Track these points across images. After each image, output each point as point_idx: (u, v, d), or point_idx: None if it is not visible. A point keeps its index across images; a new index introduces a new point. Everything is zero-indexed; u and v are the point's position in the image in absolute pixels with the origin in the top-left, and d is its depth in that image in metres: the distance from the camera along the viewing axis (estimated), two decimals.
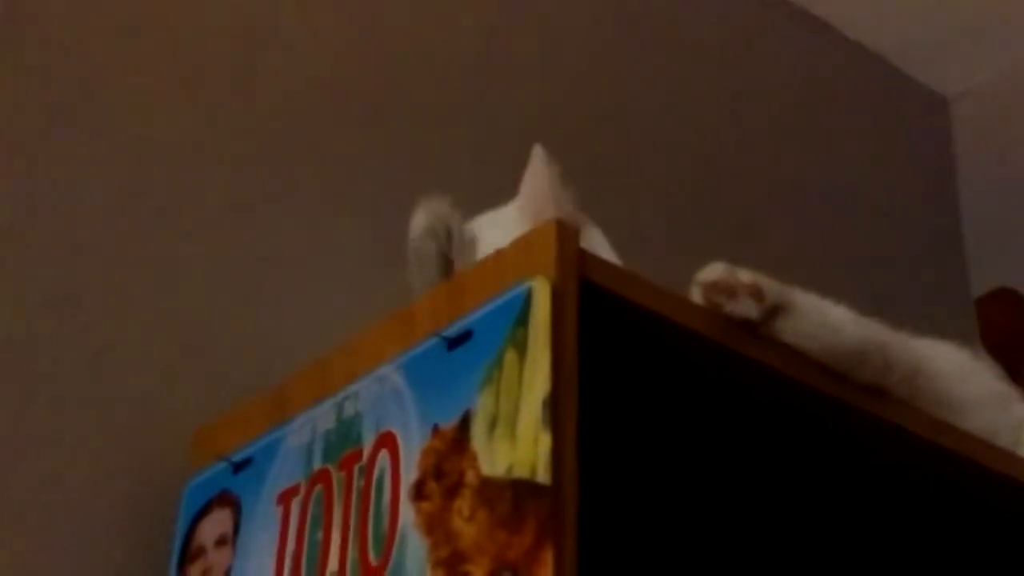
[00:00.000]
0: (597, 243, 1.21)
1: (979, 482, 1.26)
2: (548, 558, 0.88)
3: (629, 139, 1.96)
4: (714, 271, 1.10)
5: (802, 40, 2.32)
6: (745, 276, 1.11)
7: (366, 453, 1.07)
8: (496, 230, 1.18)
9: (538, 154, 1.20)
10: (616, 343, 1.07)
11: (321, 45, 1.68)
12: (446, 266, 1.19)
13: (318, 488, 1.11)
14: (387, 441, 1.06)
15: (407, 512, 1.01)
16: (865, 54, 2.40)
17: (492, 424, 0.97)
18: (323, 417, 1.14)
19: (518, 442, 0.94)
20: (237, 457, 1.22)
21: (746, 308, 1.10)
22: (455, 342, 1.03)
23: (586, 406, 0.96)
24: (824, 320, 1.15)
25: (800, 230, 2.13)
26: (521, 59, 1.89)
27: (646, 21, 2.08)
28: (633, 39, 2.05)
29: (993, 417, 1.33)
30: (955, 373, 1.32)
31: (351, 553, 1.04)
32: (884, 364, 1.18)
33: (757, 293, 1.10)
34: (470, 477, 0.97)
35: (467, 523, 0.95)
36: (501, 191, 1.26)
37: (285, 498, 1.14)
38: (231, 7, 1.62)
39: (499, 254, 1.05)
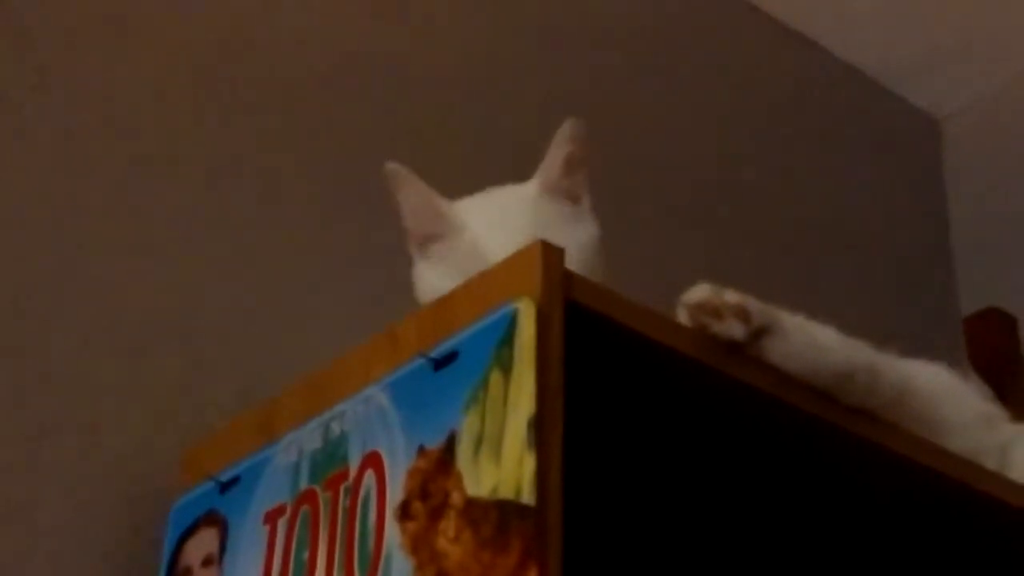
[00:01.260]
0: None
1: (966, 503, 1.27)
2: None
3: (617, 158, 1.96)
4: (700, 292, 1.10)
5: (793, 61, 2.33)
6: (731, 297, 1.11)
7: (352, 473, 1.07)
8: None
9: None
10: (602, 364, 1.07)
11: (323, 56, 1.69)
12: None
13: (304, 508, 1.11)
14: (373, 461, 1.06)
15: (392, 533, 1.01)
16: (856, 75, 2.41)
17: (477, 445, 0.97)
18: (309, 437, 1.14)
19: (503, 463, 0.94)
20: (224, 477, 1.22)
21: (732, 329, 1.10)
22: (441, 363, 1.03)
23: (571, 427, 0.96)
24: (810, 341, 1.15)
25: (789, 250, 2.13)
26: (516, 78, 1.89)
27: (636, 42, 2.09)
28: (623, 60, 2.06)
29: (980, 438, 1.33)
30: (942, 394, 1.32)
31: (336, 573, 1.04)
32: (870, 385, 1.18)
33: (743, 314, 1.10)
34: (455, 498, 0.97)
35: (452, 544, 0.95)
36: None
37: (271, 518, 1.14)
38: (230, 10, 1.63)
39: (484, 275, 1.06)
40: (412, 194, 1.28)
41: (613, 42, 2.05)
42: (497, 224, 1.24)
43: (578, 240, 1.22)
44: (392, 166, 1.27)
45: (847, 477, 1.24)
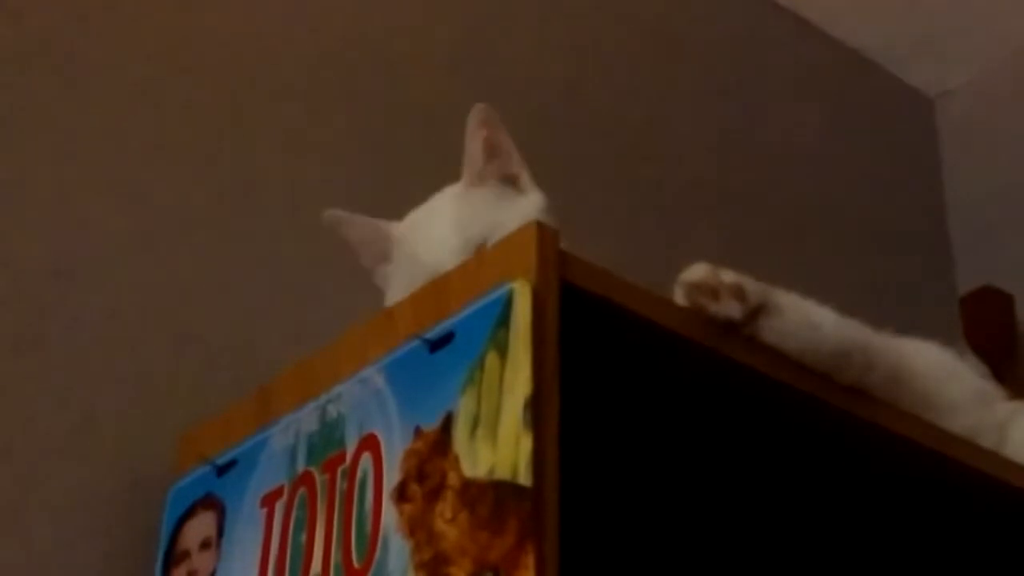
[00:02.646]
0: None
1: (962, 482, 1.27)
2: (530, 560, 0.89)
3: (613, 139, 1.96)
4: (697, 272, 1.10)
5: (788, 40, 2.33)
6: (728, 277, 1.11)
7: (349, 455, 1.07)
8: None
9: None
10: (597, 344, 1.07)
11: (310, 47, 1.68)
12: None
13: (301, 490, 1.11)
14: (370, 443, 1.06)
15: (390, 514, 1.01)
16: (850, 54, 2.40)
17: (474, 426, 0.97)
18: (306, 419, 1.14)
19: (499, 444, 0.94)
20: (221, 460, 1.22)
21: (729, 309, 1.10)
22: (437, 344, 1.03)
23: (567, 408, 0.96)
24: (806, 320, 1.15)
25: (784, 230, 2.13)
26: (511, 62, 1.89)
27: (633, 22, 2.09)
28: (620, 40, 2.05)
29: (976, 416, 1.33)
30: (938, 373, 1.33)
31: (334, 555, 1.05)
32: (866, 364, 1.18)
33: (740, 294, 1.10)
34: (452, 479, 0.97)
35: (449, 525, 0.95)
36: None
37: (269, 500, 1.14)
38: (225, 11, 1.63)
39: (480, 256, 1.06)
40: (355, 230, 1.31)
41: (612, 24, 2.05)
42: (430, 231, 1.25)
43: (519, 213, 1.22)
44: (328, 213, 1.30)
45: (843, 456, 1.24)
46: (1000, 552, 1.40)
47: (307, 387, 1.16)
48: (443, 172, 1.29)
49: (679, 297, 1.10)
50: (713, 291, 1.09)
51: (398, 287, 1.24)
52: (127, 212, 1.45)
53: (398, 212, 1.27)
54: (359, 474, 1.06)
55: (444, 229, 1.23)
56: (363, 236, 1.30)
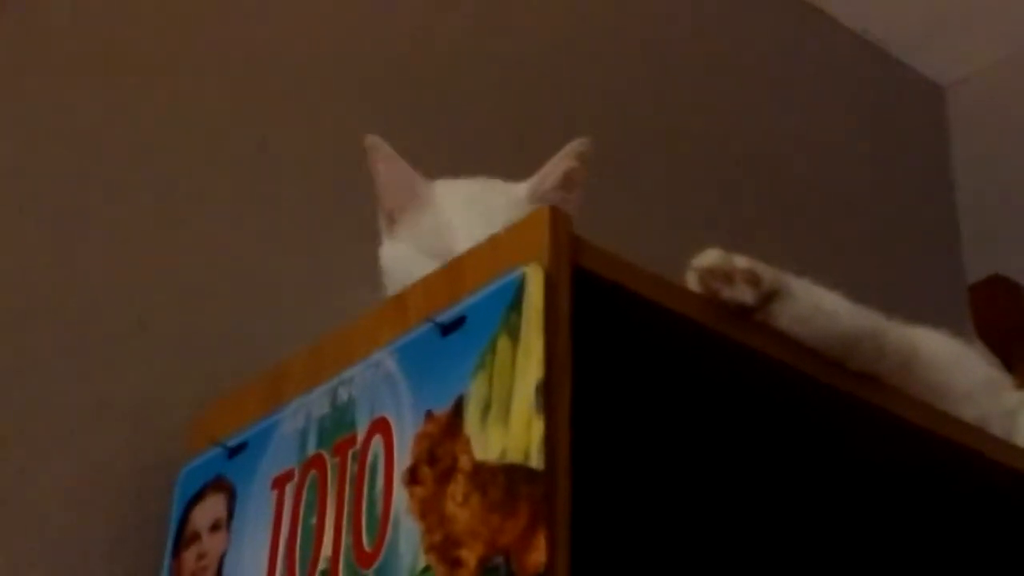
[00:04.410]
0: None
1: (972, 469, 1.27)
2: (541, 543, 0.89)
3: (625, 126, 1.96)
4: (710, 257, 1.10)
5: (798, 29, 2.32)
6: (741, 262, 1.10)
7: (360, 438, 1.08)
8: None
9: None
10: (609, 328, 1.07)
11: (318, 37, 1.68)
12: None
13: (312, 473, 1.11)
14: (381, 426, 1.06)
15: (400, 497, 1.01)
16: (861, 43, 2.40)
17: (485, 409, 0.97)
18: (317, 402, 1.14)
19: (511, 427, 0.94)
20: (232, 442, 1.22)
21: (742, 294, 1.09)
22: (449, 328, 1.03)
23: (579, 392, 0.96)
24: (819, 306, 1.15)
25: (795, 218, 2.13)
26: (519, 49, 1.89)
27: (641, 9, 2.08)
28: (628, 27, 2.05)
29: (986, 404, 1.33)
30: (948, 360, 1.33)
31: (345, 538, 1.05)
32: (878, 351, 1.18)
33: (753, 279, 1.10)
34: (463, 462, 0.97)
35: (460, 508, 0.95)
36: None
37: (279, 483, 1.14)
38: (229, 4, 1.63)
39: (493, 240, 1.06)
40: (389, 167, 1.29)
41: (620, 12, 2.05)
42: (475, 213, 1.24)
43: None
44: (372, 138, 1.29)
45: (853, 442, 1.24)
46: (1009, 540, 1.40)
47: (319, 370, 1.16)
48: (455, 170, 1.30)
49: (691, 282, 1.10)
50: (726, 276, 1.09)
51: (415, 247, 1.24)
52: (138, 194, 1.45)
53: None
54: (370, 457, 1.06)
55: (497, 222, 1.16)
56: (394, 175, 1.29)
